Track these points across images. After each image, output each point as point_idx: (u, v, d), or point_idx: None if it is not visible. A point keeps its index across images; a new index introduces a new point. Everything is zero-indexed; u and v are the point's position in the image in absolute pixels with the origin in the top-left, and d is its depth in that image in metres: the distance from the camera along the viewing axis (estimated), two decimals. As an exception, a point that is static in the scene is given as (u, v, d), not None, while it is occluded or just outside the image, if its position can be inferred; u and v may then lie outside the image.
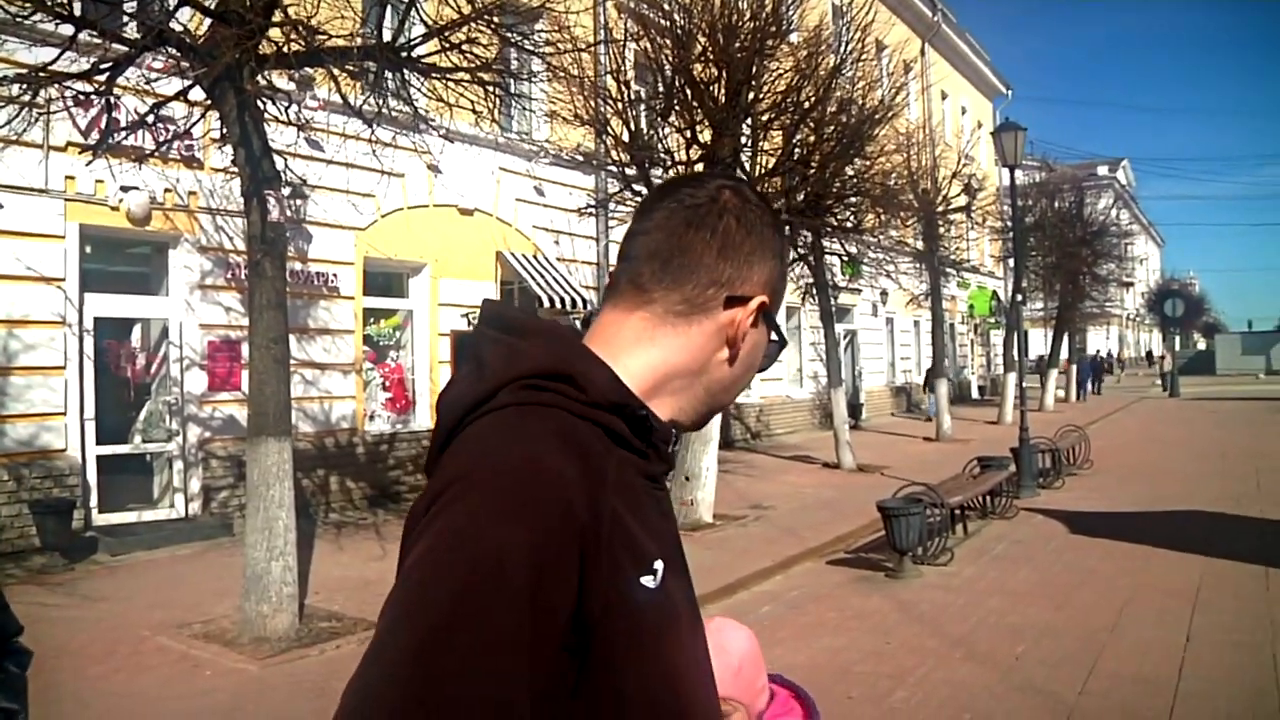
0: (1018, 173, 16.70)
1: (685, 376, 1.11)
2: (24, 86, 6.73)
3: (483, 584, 0.84)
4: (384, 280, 13.85)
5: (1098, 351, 51.04)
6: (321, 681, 5.85)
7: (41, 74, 6.60)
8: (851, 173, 12.83)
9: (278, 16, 6.62)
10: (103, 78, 6.90)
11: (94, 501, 10.16)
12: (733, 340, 1.11)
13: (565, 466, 0.92)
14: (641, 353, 1.09)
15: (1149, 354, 52.33)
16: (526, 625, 0.84)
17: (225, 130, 7.03)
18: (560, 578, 0.87)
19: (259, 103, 6.99)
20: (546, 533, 0.87)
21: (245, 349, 8.99)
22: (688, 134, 10.74)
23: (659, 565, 0.97)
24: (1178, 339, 51.16)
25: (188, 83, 7.13)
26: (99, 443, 10.26)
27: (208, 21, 6.66)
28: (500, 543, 0.86)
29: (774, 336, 1.17)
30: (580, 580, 0.89)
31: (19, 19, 6.63)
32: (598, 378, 1.01)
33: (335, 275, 12.65)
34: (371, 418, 13.45)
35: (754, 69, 10.52)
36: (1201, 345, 78.29)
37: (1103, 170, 58.78)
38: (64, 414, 9.82)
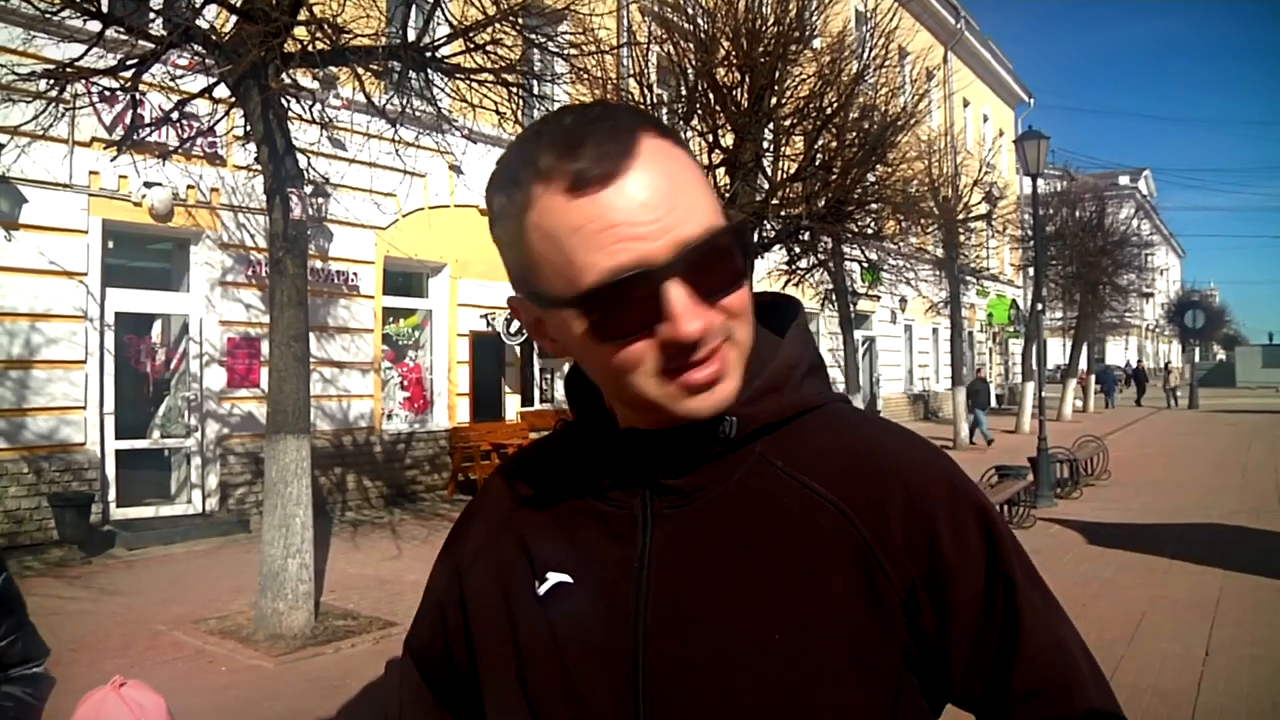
0: (1039, 181, 16.63)
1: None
2: (51, 82, 6.79)
3: None
4: (404, 280, 13.89)
5: (1140, 361, 50.80)
6: (337, 680, 5.85)
7: (68, 70, 6.64)
8: (873, 179, 12.75)
9: (303, 15, 6.65)
10: (128, 74, 6.95)
11: (112, 496, 10.22)
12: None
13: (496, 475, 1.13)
14: None
15: (1167, 365, 51.98)
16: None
17: (249, 128, 7.06)
18: (452, 541, 1.13)
19: (283, 101, 7.02)
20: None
21: (265, 346, 9.02)
22: (710, 138, 10.71)
23: (552, 577, 0.97)
24: (1197, 351, 50.83)
25: (213, 80, 7.17)
26: (118, 437, 10.32)
27: (233, 19, 6.69)
28: None
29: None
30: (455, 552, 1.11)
31: (47, 15, 6.66)
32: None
33: (355, 274, 12.69)
34: (389, 417, 13.48)
35: (777, 74, 10.49)
36: (1221, 357, 77.76)
37: (1124, 180, 58.39)
38: (84, 408, 9.88)
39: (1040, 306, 18.83)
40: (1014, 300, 34.13)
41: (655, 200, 0.82)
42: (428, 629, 1.15)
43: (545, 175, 0.83)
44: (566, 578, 0.97)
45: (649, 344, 0.85)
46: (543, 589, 0.97)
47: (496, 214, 0.90)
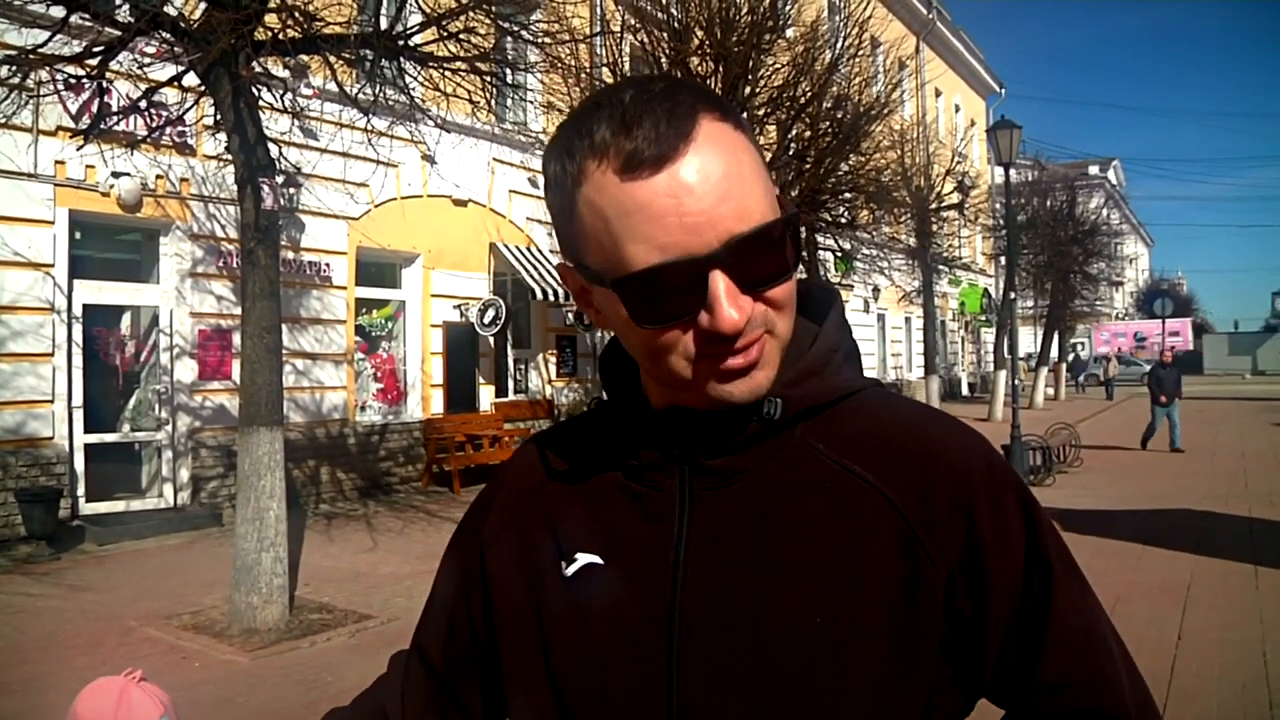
0: (1010, 171, 16.71)
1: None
2: (14, 69, 6.66)
3: None
4: (376, 270, 13.80)
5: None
6: (312, 674, 5.81)
7: (32, 56, 6.52)
8: (846, 169, 12.80)
9: (274, 2, 6.56)
10: (95, 61, 6.84)
11: (81, 490, 10.08)
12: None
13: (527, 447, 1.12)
14: None
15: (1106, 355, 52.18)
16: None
17: (219, 117, 6.97)
18: (473, 519, 1.11)
19: (254, 89, 6.94)
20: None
21: (236, 338, 8.92)
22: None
23: (581, 557, 0.97)
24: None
25: (182, 68, 7.06)
26: (87, 431, 10.19)
27: (203, 6, 6.60)
28: None
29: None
30: (480, 531, 1.08)
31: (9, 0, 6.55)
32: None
33: (328, 265, 12.59)
34: (363, 408, 13.41)
35: (750, 63, 10.49)
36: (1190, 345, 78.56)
37: (1094, 170, 58.67)
38: (52, 402, 9.75)
39: (1012, 295, 18.95)
40: (986, 289, 34.35)
41: (706, 189, 0.81)
42: (444, 619, 1.11)
43: (599, 151, 0.83)
44: (596, 558, 0.96)
45: (687, 331, 0.85)
46: (570, 570, 0.97)
47: (550, 181, 0.90)
